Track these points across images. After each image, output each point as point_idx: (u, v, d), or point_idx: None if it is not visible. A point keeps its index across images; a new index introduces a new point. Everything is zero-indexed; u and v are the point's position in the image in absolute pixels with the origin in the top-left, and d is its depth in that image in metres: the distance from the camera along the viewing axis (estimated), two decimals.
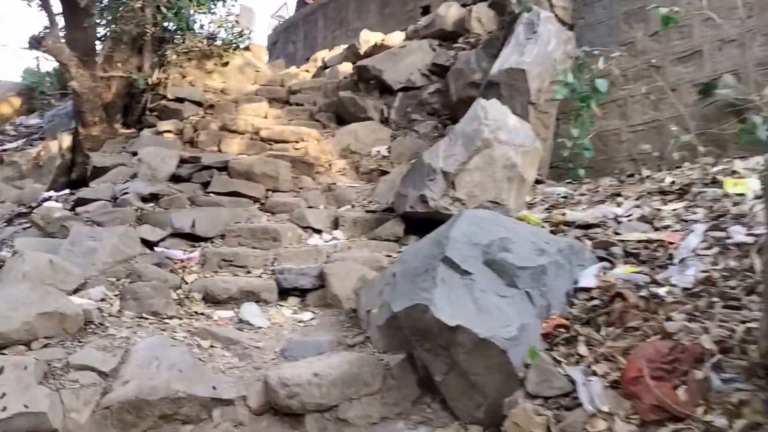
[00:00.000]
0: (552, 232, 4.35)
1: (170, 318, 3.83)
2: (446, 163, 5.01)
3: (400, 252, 4.86)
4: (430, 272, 2.93)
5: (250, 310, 4.02)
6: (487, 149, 5.08)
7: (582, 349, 2.70)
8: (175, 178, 6.52)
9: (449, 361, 2.79)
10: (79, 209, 5.28)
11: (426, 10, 10.29)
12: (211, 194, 6.08)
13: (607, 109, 6.41)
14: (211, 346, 3.41)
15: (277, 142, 7.93)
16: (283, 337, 3.71)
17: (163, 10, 8.90)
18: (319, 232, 5.42)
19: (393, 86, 8.63)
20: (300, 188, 6.57)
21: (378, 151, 7.79)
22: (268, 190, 6.33)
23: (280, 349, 3.44)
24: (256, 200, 6.15)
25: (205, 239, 4.99)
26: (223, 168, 6.46)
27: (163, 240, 4.79)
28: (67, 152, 9.09)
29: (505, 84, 6.25)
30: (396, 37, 9.62)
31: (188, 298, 4.12)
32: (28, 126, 11.44)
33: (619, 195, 4.94)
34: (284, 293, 4.35)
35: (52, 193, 7.92)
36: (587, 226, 4.23)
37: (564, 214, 4.56)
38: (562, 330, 2.86)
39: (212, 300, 4.14)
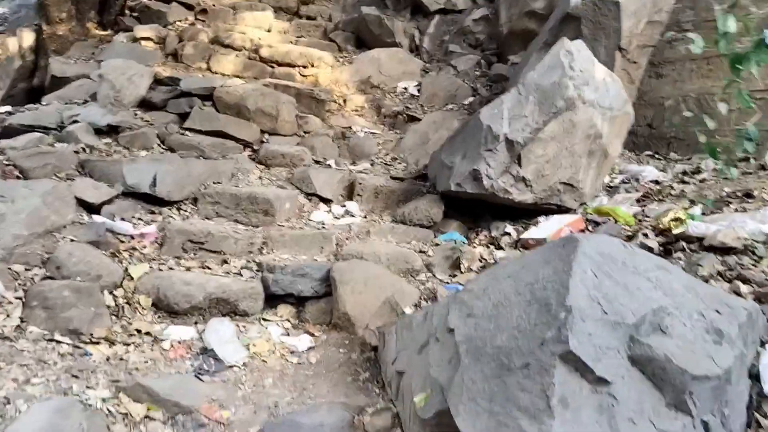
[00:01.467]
0: (664, 249, 3.01)
1: (96, 342, 2.52)
2: (513, 129, 3.56)
3: (437, 245, 3.52)
4: (536, 375, 1.60)
5: (219, 332, 2.71)
6: (568, 112, 3.62)
7: None
8: (146, 104, 5.04)
9: None
10: (3, 143, 3.84)
11: None
12: (188, 132, 4.64)
13: (713, 64, 4.90)
14: (146, 418, 2.12)
15: (280, 65, 6.38)
16: (264, 390, 2.42)
17: None
18: (327, 202, 4.04)
19: (429, 6, 7.00)
20: (305, 132, 5.11)
21: (405, 88, 6.27)
22: (263, 132, 4.89)
23: (257, 430, 2.14)
24: (246, 145, 4.72)
25: (170, 203, 3.59)
26: (208, 96, 4.97)
27: (109, 202, 3.40)
28: (28, 52, 7.49)
29: (589, 20, 4.68)
30: None
31: (130, 304, 2.79)
32: None
33: (751, 195, 3.52)
34: (273, 299, 3.04)
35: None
36: (724, 250, 2.86)
37: (680, 222, 3.16)
38: None
39: (166, 309, 2.82)
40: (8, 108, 5.33)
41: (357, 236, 3.56)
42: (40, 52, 7.51)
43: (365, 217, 3.91)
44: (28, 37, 7.44)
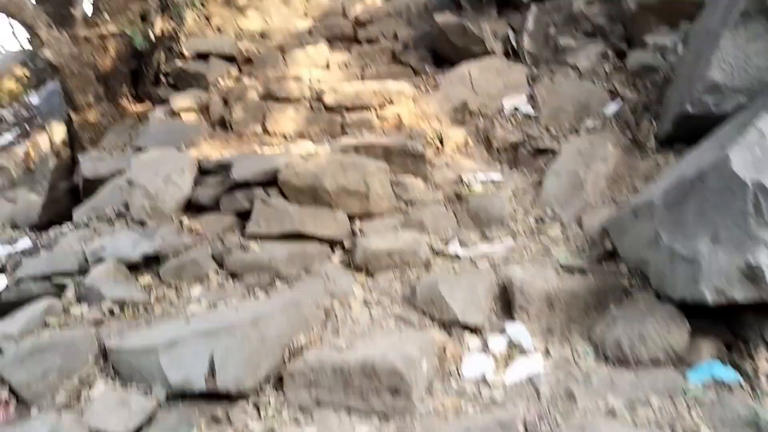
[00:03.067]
0: None
1: None
2: None
3: (696, 400, 1.99)
4: None
5: None
6: None
7: None
8: (192, 207, 3.80)
9: None
10: None
11: None
12: (255, 240, 3.32)
13: None
14: None
15: (351, 110, 5.02)
16: None
17: None
18: (476, 331, 2.57)
19: None
20: (407, 203, 3.69)
21: (515, 108, 4.74)
22: (353, 217, 3.50)
23: None
24: (334, 244, 3.36)
25: (241, 396, 2.25)
26: (271, 182, 3.64)
27: (148, 422, 2.10)
28: (63, 148, 6.55)
29: None
30: None
31: None
32: (30, 107, 8.99)
33: None
34: None
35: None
36: None
37: None
38: None
39: None
40: (27, 242, 4.25)
41: (552, 405, 2.08)
42: (75, 145, 6.56)
43: (547, 351, 2.41)
44: (59, 131, 6.50)
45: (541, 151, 4.13)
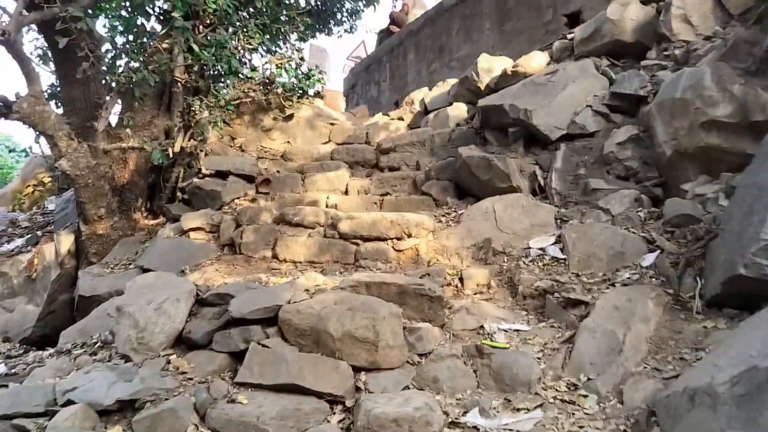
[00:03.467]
0: None
1: None
2: None
3: None
4: None
5: None
6: None
7: None
8: (183, 342, 3.44)
9: None
10: None
11: (574, 19, 6.99)
12: (243, 391, 2.92)
13: None
14: None
15: (367, 240, 4.76)
16: None
17: (198, 49, 6.08)
18: None
19: (548, 134, 5.32)
20: (421, 356, 3.29)
21: (542, 250, 4.44)
22: (357, 369, 3.09)
23: None
24: (333, 402, 2.92)
25: None
26: (272, 320, 3.29)
27: None
28: (68, 259, 6.34)
29: None
30: (535, 60, 6.34)
31: None
32: (46, 213, 8.96)
33: None
34: None
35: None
36: None
37: None
38: None
39: None
40: (2, 368, 3.88)
41: None
42: (81, 257, 6.35)
43: None
44: (66, 241, 6.31)
45: (572, 302, 3.75)
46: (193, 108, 5.88)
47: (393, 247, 4.67)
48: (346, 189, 6.08)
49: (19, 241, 7.83)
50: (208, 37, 6.24)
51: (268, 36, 6.71)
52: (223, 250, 5.15)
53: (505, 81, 6.42)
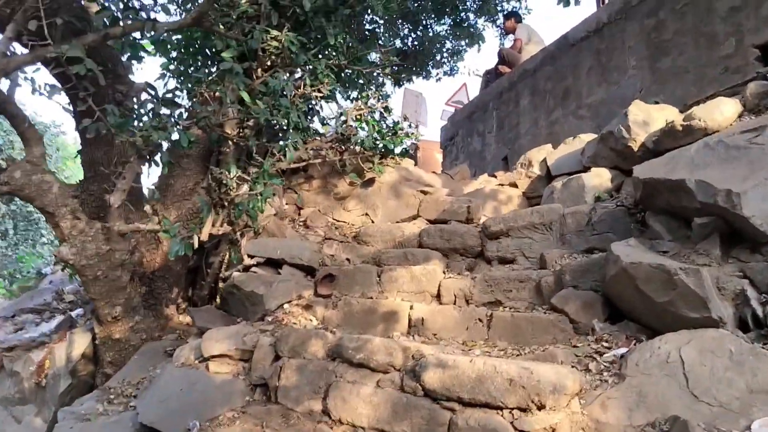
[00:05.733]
0: None
1: None
2: None
3: None
4: None
5: None
6: None
7: None
8: None
9: None
10: None
11: None
12: None
13: None
14: None
15: (467, 404, 2.92)
16: None
17: (248, 98, 4.64)
18: None
19: (764, 230, 3.27)
20: None
21: None
22: None
23: None
24: None
25: None
26: None
27: None
28: (82, 365, 4.97)
29: None
30: (721, 109, 4.31)
31: None
32: (73, 293, 7.67)
33: None
34: None
35: None
36: None
37: None
38: None
39: None
40: None
41: None
42: (98, 363, 4.96)
43: None
44: (81, 342, 4.95)
45: None
46: (224, 181, 4.33)
47: (513, 425, 2.79)
48: (438, 291, 4.29)
49: (53, 323, 6.64)
50: (269, 83, 4.77)
51: (343, 81, 5.15)
52: (255, 393, 3.49)
53: (673, 140, 4.43)
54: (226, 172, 4.19)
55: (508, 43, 10.04)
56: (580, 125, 6.53)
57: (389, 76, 13.78)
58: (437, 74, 13.24)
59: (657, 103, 5.16)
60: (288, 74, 5.23)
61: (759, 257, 3.38)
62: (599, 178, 4.94)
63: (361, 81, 7.90)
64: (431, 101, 40.72)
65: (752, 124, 4.01)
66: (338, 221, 5.78)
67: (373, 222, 5.78)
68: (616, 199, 4.66)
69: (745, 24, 5.05)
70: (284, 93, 4.72)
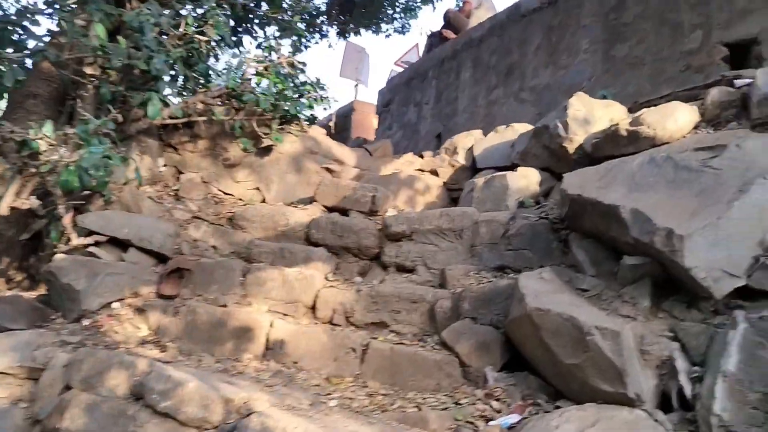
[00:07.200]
0: None
1: None
2: None
3: None
4: None
5: None
6: None
7: None
8: None
9: None
10: None
11: (742, 52, 4.16)
12: None
13: None
14: None
15: None
16: None
17: (101, 33, 3.60)
18: None
19: (710, 287, 2.56)
20: None
21: None
22: None
23: None
24: None
25: None
26: None
27: None
28: None
29: None
30: (675, 117, 3.58)
31: None
32: None
33: None
34: None
35: None
36: None
37: None
38: None
39: None
40: None
41: None
42: None
43: None
44: None
45: None
46: (28, 142, 3.26)
47: None
48: (315, 303, 3.47)
49: None
50: (124, 17, 3.72)
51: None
52: None
53: (615, 146, 3.70)
54: (31, 130, 3.17)
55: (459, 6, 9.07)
56: (521, 110, 5.74)
57: (334, 25, 12.62)
58: (387, 30, 12.20)
59: (605, 97, 4.40)
60: (169, 10, 4.19)
61: (696, 315, 2.69)
62: (526, 179, 4.18)
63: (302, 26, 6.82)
64: (379, 60, 39.03)
65: (709, 140, 3.30)
66: (223, 193, 4.86)
67: (264, 200, 4.88)
68: (541, 208, 3.91)
69: (716, 16, 4.29)
70: (146, 29, 3.69)
